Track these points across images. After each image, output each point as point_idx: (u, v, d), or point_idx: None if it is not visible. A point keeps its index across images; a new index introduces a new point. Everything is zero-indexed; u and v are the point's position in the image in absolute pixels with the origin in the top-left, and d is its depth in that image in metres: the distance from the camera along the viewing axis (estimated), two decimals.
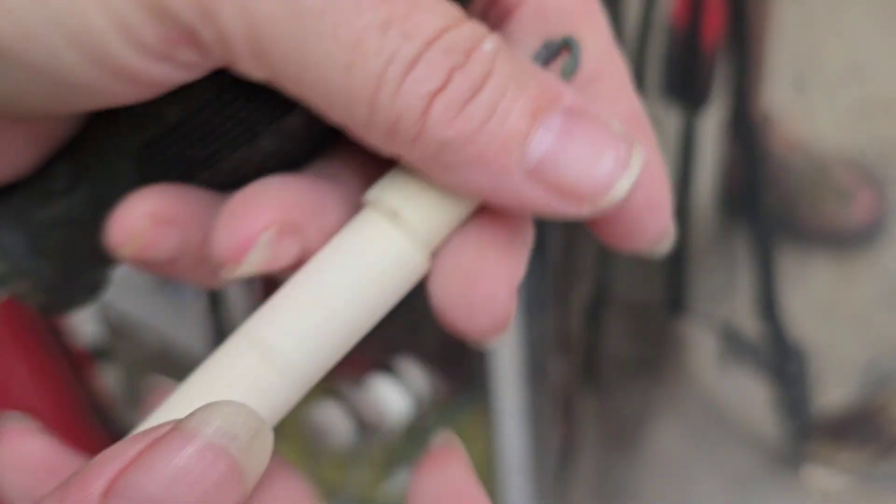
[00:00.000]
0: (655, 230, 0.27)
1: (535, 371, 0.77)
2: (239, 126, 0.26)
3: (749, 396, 0.82)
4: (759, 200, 0.74)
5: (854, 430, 0.80)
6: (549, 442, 0.82)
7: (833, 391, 0.79)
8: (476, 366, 0.79)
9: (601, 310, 0.83)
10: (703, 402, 0.84)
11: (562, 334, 0.81)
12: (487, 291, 0.27)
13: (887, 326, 0.74)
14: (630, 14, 0.69)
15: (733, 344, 0.80)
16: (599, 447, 0.90)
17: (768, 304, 0.75)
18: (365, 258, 0.26)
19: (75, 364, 1.12)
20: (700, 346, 0.82)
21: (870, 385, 0.77)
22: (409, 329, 0.90)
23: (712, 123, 0.71)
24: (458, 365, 0.86)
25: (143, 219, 0.27)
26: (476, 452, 0.81)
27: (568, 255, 0.77)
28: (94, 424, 1.14)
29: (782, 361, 0.77)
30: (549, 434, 0.82)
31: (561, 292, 0.78)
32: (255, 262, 0.27)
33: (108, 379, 1.16)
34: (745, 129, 0.71)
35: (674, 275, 0.79)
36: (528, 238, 0.28)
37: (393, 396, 0.83)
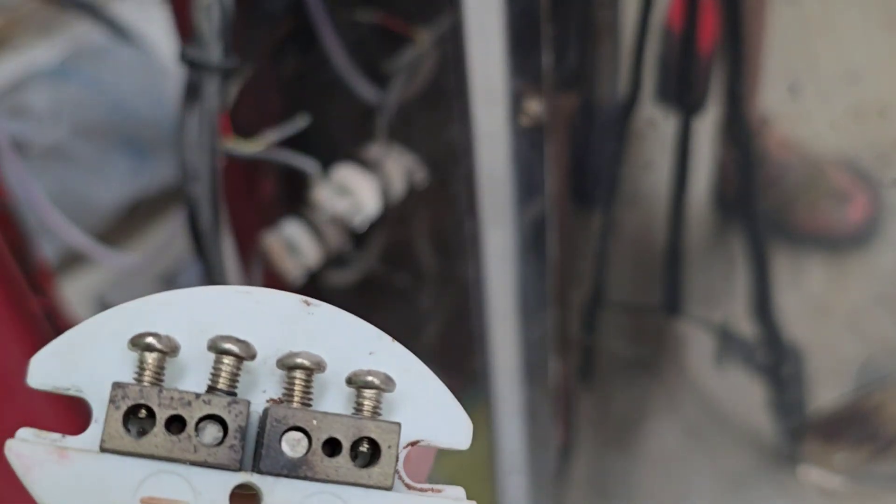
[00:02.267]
0: None
1: (534, 371, 0.77)
2: None
3: (745, 396, 0.82)
4: (755, 202, 0.74)
5: (849, 429, 0.80)
6: (547, 441, 0.82)
7: (828, 391, 0.79)
8: (476, 365, 0.79)
9: (599, 311, 0.84)
10: (700, 402, 0.85)
11: (560, 335, 0.81)
12: None
13: (881, 327, 0.75)
14: (627, 19, 0.69)
15: (729, 344, 0.80)
16: (597, 446, 0.90)
17: (764, 305, 0.75)
18: None
19: None
20: (696, 346, 0.82)
21: (864, 385, 0.77)
22: (410, 328, 0.91)
23: (708, 126, 0.72)
24: (457, 364, 0.87)
25: None
26: (475, 451, 0.81)
27: (566, 257, 0.77)
28: None
29: (778, 362, 0.78)
30: (547, 433, 0.82)
31: (559, 293, 0.78)
32: None
33: None
34: (741, 131, 0.71)
35: (670, 276, 0.79)
36: None
37: None
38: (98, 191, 1.28)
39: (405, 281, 0.89)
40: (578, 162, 0.75)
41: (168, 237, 1.03)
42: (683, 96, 0.70)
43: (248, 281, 0.81)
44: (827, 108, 0.68)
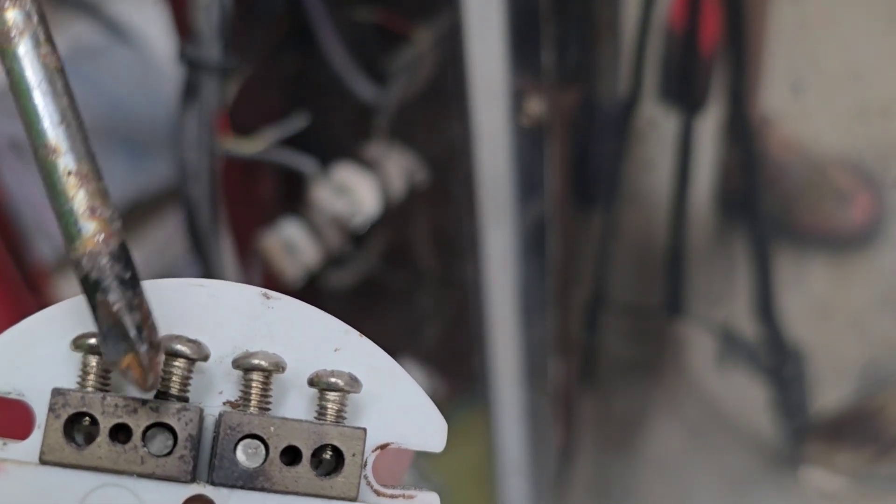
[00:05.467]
0: None
1: (535, 372, 0.77)
2: None
3: (747, 398, 0.82)
4: (757, 203, 0.74)
5: (851, 431, 0.80)
6: (548, 442, 0.82)
7: (830, 392, 0.79)
8: (476, 367, 0.79)
9: (600, 312, 0.83)
10: (702, 404, 0.84)
11: (561, 336, 0.81)
12: None
13: (884, 328, 0.75)
14: (628, 18, 0.69)
15: (731, 345, 0.80)
16: (598, 448, 0.90)
17: (766, 306, 0.75)
18: None
19: None
20: (698, 347, 0.82)
21: (867, 386, 0.77)
22: (409, 329, 0.90)
23: (710, 126, 0.71)
24: (458, 365, 0.87)
25: None
26: (476, 453, 0.81)
27: (567, 258, 0.77)
28: None
29: (780, 363, 0.78)
30: (548, 435, 0.82)
31: (560, 294, 0.78)
32: None
33: None
34: (743, 131, 0.71)
35: (672, 277, 0.79)
36: None
37: None
38: None
39: (405, 282, 0.89)
40: (579, 161, 0.74)
41: (166, 237, 1.02)
42: (685, 95, 0.70)
43: (248, 281, 0.81)
44: (829, 107, 0.68)
